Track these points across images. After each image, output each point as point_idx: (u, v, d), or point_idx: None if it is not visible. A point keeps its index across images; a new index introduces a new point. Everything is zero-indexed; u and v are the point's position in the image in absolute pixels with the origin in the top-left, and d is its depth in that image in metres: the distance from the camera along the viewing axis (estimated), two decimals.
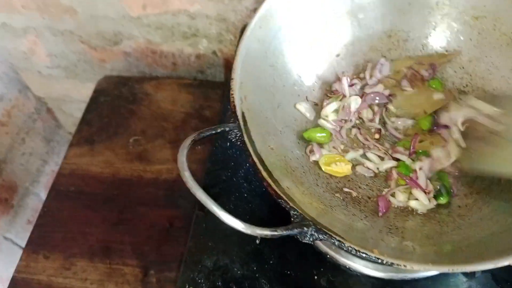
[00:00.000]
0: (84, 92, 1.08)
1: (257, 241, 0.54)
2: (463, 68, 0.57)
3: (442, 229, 0.46)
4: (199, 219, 0.58)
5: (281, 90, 0.53)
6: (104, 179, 0.78)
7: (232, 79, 0.45)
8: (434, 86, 0.56)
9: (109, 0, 0.85)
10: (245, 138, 0.42)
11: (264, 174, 0.40)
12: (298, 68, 0.56)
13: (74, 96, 1.15)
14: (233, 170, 0.61)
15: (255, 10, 0.81)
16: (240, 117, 0.43)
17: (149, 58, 0.98)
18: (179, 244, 0.67)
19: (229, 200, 0.58)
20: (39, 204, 1.15)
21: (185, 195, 0.74)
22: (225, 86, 0.87)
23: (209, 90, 0.88)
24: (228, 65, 0.96)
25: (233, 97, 0.44)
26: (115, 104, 0.88)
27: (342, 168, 0.51)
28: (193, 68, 0.99)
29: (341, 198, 0.49)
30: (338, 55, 0.59)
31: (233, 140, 0.43)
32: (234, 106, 0.43)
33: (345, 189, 0.50)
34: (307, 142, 0.54)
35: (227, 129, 0.43)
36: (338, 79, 0.57)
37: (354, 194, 0.50)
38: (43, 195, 1.17)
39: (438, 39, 0.58)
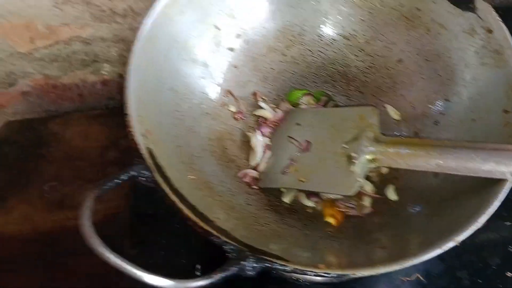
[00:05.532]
0: None
1: None
2: (362, 50, 0.57)
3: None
4: None
5: (188, 112, 0.50)
6: (25, 237, 0.71)
7: (127, 114, 0.41)
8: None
9: None
10: (157, 178, 0.38)
11: (187, 212, 0.37)
12: (200, 84, 0.53)
13: None
14: (160, 202, 0.58)
15: None
16: (146, 155, 0.39)
17: (52, 94, 0.92)
18: None
19: (161, 237, 0.54)
20: None
21: (118, 236, 0.69)
22: None
23: (122, 118, 0.83)
24: None
25: (132, 135, 0.40)
26: (22, 152, 0.80)
27: None
28: (102, 96, 0.93)
29: (275, 211, 0.48)
30: (236, 67, 0.56)
31: (144, 183, 0.39)
32: (137, 145, 0.39)
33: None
34: (230, 161, 0.52)
35: (134, 173, 0.38)
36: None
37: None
38: None
39: (332, 26, 0.57)
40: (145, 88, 0.45)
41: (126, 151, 0.79)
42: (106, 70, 0.87)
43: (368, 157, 0.45)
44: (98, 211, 0.68)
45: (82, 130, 0.82)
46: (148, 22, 0.46)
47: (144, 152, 0.40)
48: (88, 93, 0.92)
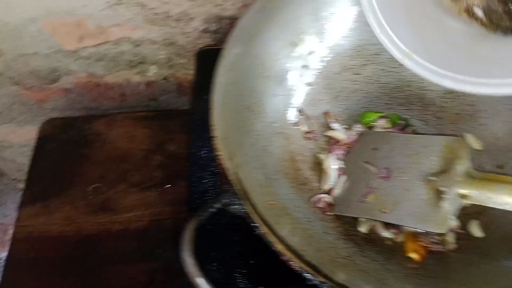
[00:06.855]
0: (24, 135, 1.00)
1: None
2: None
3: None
4: None
5: (262, 131, 0.49)
6: (67, 239, 0.69)
7: (215, 136, 0.39)
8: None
9: (39, 36, 0.77)
10: (247, 207, 0.36)
11: (281, 247, 0.35)
12: (274, 102, 0.51)
13: (14, 141, 1.05)
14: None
15: (205, 30, 0.78)
16: (235, 181, 0.37)
17: (94, 92, 0.91)
18: None
19: (221, 252, 0.51)
20: None
21: (161, 244, 0.67)
22: (184, 114, 0.81)
23: (168, 121, 0.81)
24: (181, 90, 0.91)
25: (222, 160, 0.38)
26: (65, 150, 0.79)
27: None
28: (144, 97, 0.92)
29: (353, 242, 0.46)
30: (309, 84, 0.55)
31: (234, 211, 0.37)
32: (226, 170, 0.37)
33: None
34: (303, 183, 0.50)
35: (226, 200, 0.36)
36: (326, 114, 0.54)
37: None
38: None
39: None
40: (226, 107, 0.43)
41: (172, 156, 0.77)
42: (152, 72, 0.87)
43: (460, 193, 0.43)
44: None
45: (127, 132, 0.81)
46: (232, 40, 0.44)
47: (233, 177, 0.38)
48: (131, 93, 0.92)
